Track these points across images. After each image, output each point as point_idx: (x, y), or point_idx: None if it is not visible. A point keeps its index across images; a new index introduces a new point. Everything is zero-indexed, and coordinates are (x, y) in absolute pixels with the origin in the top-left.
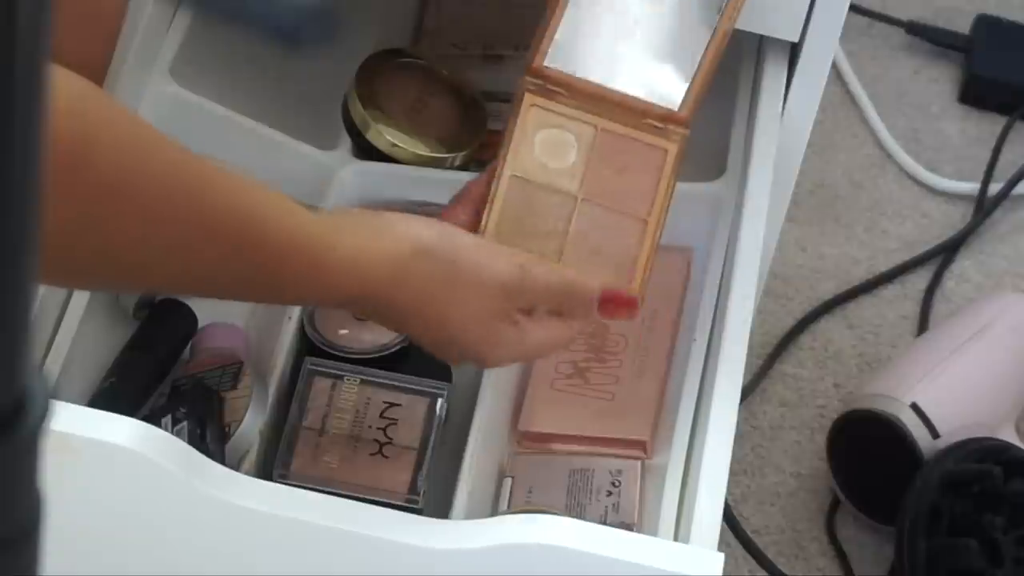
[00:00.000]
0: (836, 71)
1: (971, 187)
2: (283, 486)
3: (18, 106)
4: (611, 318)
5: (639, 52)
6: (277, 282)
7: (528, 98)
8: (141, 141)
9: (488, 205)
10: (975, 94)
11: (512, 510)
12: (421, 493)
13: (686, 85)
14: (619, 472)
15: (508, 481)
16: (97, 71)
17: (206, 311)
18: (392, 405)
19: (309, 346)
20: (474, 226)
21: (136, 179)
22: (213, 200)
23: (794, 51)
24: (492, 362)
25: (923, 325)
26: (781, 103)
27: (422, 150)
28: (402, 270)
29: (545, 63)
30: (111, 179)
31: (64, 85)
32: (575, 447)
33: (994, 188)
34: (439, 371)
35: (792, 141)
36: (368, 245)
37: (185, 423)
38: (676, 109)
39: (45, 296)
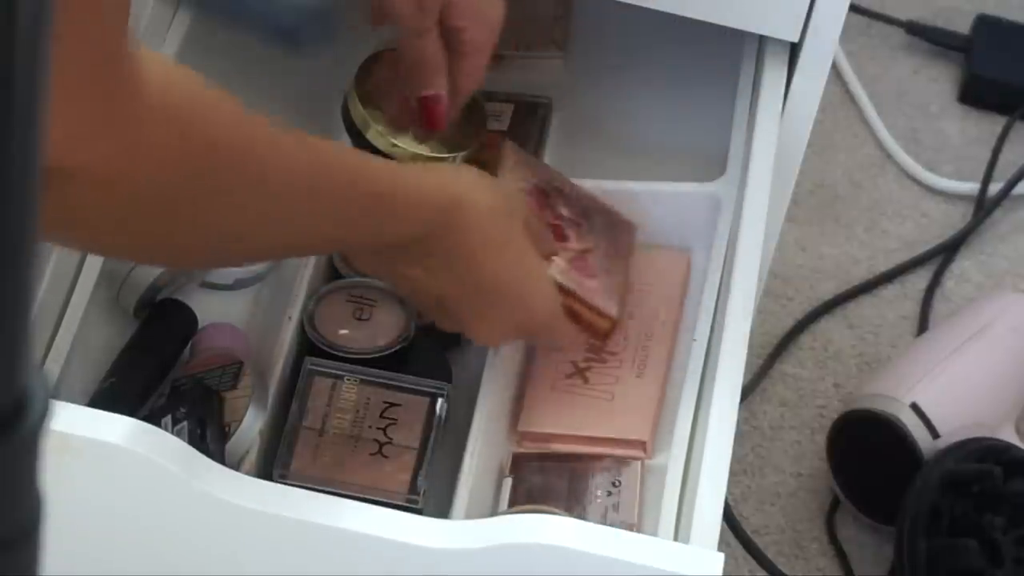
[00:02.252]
0: (836, 71)
1: (971, 187)
2: (283, 486)
3: (18, 106)
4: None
5: None
6: (388, 213)
7: None
8: (258, 122)
9: None
10: (975, 94)
11: (512, 510)
12: (421, 493)
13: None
14: (619, 472)
15: (508, 481)
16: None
17: (206, 311)
18: (392, 405)
19: (309, 346)
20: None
21: (268, 148)
22: (329, 158)
23: (794, 51)
24: (539, 298)
25: (923, 325)
26: (781, 103)
27: (422, 150)
28: (473, 188)
29: None
30: (246, 149)
31: (158, 57)
32: (575, 447)
33: (994, 188)
34: (439, 371)
35: (792, 141)
36: (445, 172)
37: (185, 423)
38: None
39: (45, 296)
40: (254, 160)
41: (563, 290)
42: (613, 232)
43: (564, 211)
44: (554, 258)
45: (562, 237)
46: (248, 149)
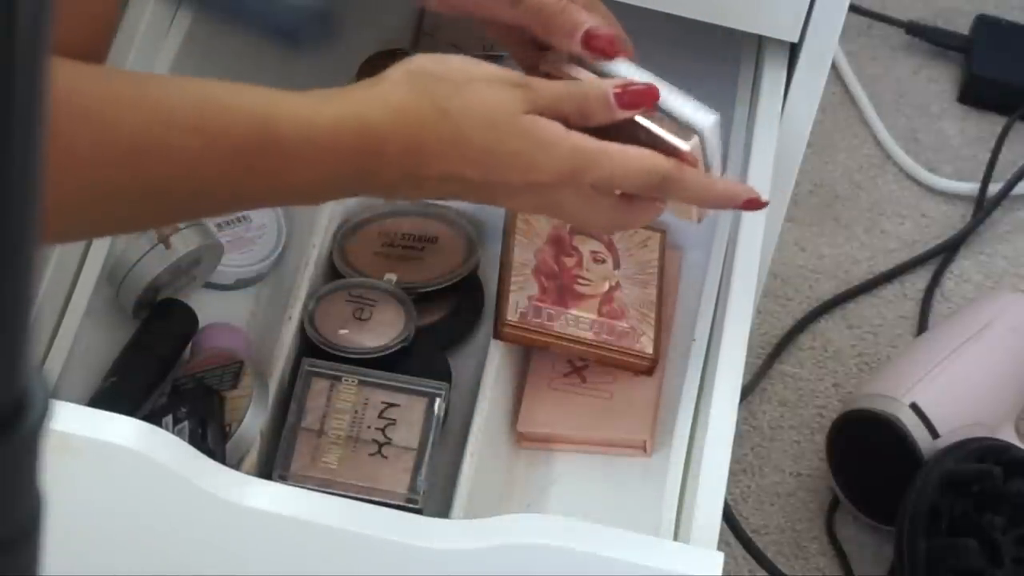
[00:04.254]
0: (836, 71)
1: (971, 187)
2: (283, 486)
3: (18, 106)
4: (632, 108)
5: None
6: (270, 165)
7: None
8: (79, 81)
9: None
10: (975, 94)
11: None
12: (421, 493)
13: None
14: None
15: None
16: (98, 39)
17: (206, 311)
18: (390, 405)
19: (309, 346)
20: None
21: (85, 110)
22: (171, 101)
23: (794, 51)
24: (546, 169)
25: (923, 325)
26: (781, 103)
27: None
28: (398, 99)
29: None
30: (61, 111)
31: None
32: (575, 447)
33: (994, 188)
34: (439, 371)
35: (792, 141)
36: (358, 96)
37: (186, 423)
38: None
39: (45, 296)
40: (73, 101)
41: (596, 346)
42: (639, 252)
43: (585, 249)
44: (580, 314)
45: (579, 296)
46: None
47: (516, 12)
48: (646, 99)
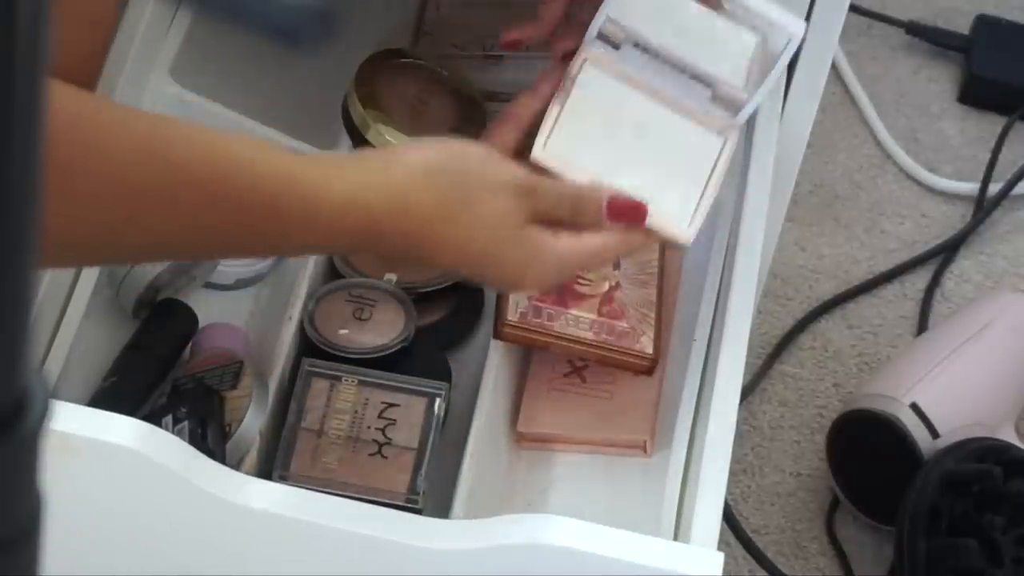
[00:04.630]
0: (836, 71)
1: (971, 187)
2: (283, 486)
3: (18, 107)
4: (619, 221)
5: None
6: (271, 229)
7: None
8: (96, 113)
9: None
10: (975, 94)
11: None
12: (421, 493)
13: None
14: None
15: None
16: (87, 72)
17: (206, 311)
18: (390, 405)
19: (309, 346)
20: (520, 146)
21: (93, 146)
22: (183, 158)
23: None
24: (533, 278)
25: (923, 325)
26: (781, 103)
27: None
28: (410, 196)
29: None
30: (69, 143)
31: None
32: (575, 447)
33: (994, 188)
34: (438, 371)
35: (792, 141)
36: (373, 178)
37: (186, 423)
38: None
39: (45, 296)
40: (76, 138)
41: (596, 346)
42: (639, 252)
43: None
44: (580, 314)
45: (579, 296)
46: (69, 125)
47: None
48: (635, 215)
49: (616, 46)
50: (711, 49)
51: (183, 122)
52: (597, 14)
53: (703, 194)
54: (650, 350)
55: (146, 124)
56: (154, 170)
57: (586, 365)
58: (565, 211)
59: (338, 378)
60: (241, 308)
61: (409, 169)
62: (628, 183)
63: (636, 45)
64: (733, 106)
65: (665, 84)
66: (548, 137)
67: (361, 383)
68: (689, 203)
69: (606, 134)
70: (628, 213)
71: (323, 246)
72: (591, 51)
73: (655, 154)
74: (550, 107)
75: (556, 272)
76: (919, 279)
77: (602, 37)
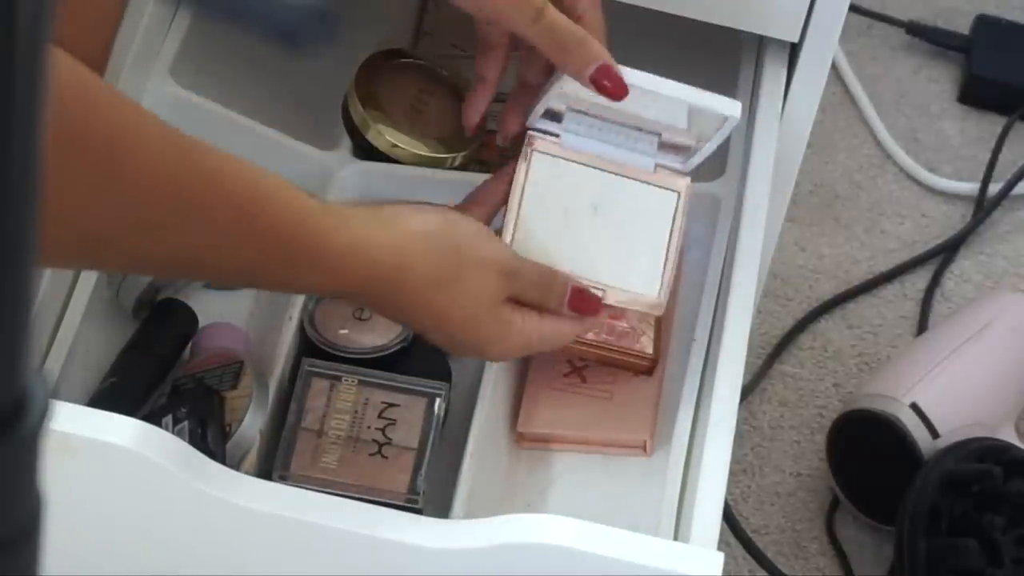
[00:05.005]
0: (836, 71)
1: (971, 187)
2: (283, 486)
3: (18, 105)
4: (578, 312)
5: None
6: (281, 262)
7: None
8: (139, 112)
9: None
10: (975, 94)
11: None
12: (421, 493)
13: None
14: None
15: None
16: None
17: (206, 311)
18: (390, 405)
19: (309, 346)
20: (488, 224)
21: (138, 140)
22: (216, 167)
23: (794, 51)
24: (498, 352)
25: (923, 325)
26: (781, 103)
27: (422, 150)
28: (408, 258)
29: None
30: (116, 130)
31: (62, 57)
32: (575, 447)
33: (994, 188)
34: (438, 371)
35: (792, 141)
36: (374, 233)
37: (185, 423)
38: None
39: (45, 296)
40: (116, 148)
41: (596, 346)
42: None
43: None
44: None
45: None
46: (110, 135)
47: (535, 31)
48: (592, 308)
49: (559, 119)
50: (652, 99)
51: (222, 154)
52: (537, 105)
53: (667, 256)
54: (650, 350)
55: (195, 141)
56: (193, 174)
57: (586, 365)
58: (534, 296)
59: (338, 378)
60: (241, 308)
61: (412, 233)
62: (593, 262)
63: (578, 111)
64: (682, 151)
65: (613, 144)
66: (513, 231)
67: (361, 383)
68: (656, 267)
69: (566, 217)
70: (585, 305)
71: (326, 289)
72: (536, 139)
73: (615, 228)
74: (509, 201)
75: (519, 349)
76: (919, 279)
77: (545, 114)
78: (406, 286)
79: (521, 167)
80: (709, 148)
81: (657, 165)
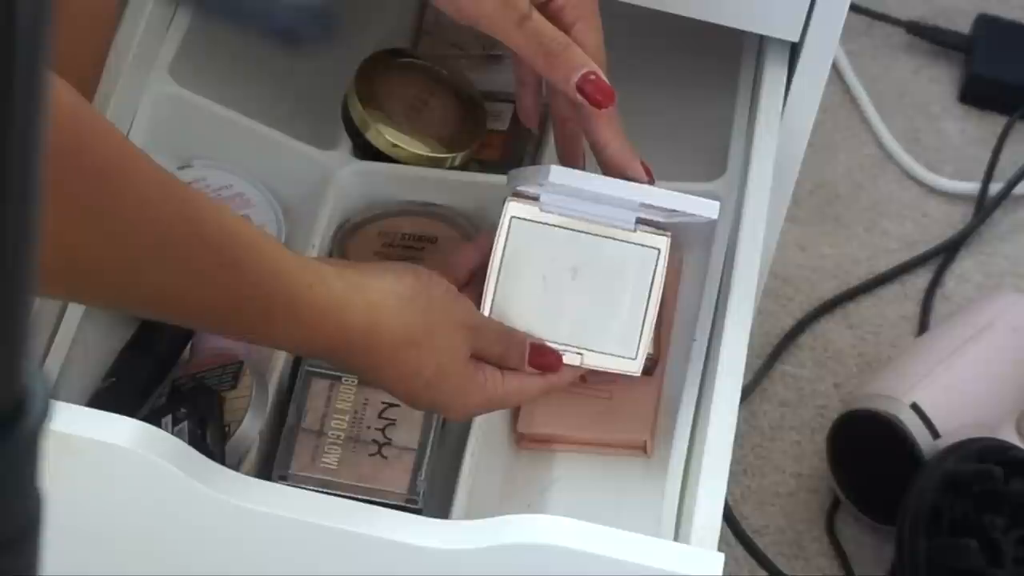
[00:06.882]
0: (836, 71)
1: (971, 187)
2: (283, 486)
3: (18, 108)
4: (538, 368)
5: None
6: (259, 312)
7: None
8: (129, 144)
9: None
10: (975, 94)
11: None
12: (420, 493)
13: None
14: None
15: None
16: (86, 78)
17: None
18: (390, 406)
19: None
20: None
21: (130, 166)
22: (202, 211)
23: (794, 51)
24: (460, 407)
25: (923, 325)
26: (781, 103)
27: (422, 150)
28: (381, 316)
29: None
30: (107, 164)
31: (59, 83)
32: (575, 448)
33: (994, 188)
34: None
35: (792, 141)
36: (349, 296)
37: (185, 423)
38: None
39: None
40: (107, 181)
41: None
42: None
43: None
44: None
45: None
46: (103, 168)
47: (520, 36)
48: (551, 364)
49: (536, 197)
50: (633, 189)
51: (205, 200)
52: (515, 183)
53: (645, 316)
54: (650, 350)
55: (182, 184)
56: (176, 216)
57: None
58: (496, 351)
59: (338, 378)
60: None
61: (383, 294)
62: (571, 326)
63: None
64: (665, 210)
65: (593, 200)
66: (492, 299)
67: (361, 383)
68: (634, 329)
69: (545, 283)
70: (544, 361)
71: (302, 343)
72: (514, 205)
73: (593, 291)
74: (488, 269)
75: (482, 404)
76: (920, 279)
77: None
78: (379, 346)
79: (500, 234)
80: (689, 220)
81: (639, 220)
